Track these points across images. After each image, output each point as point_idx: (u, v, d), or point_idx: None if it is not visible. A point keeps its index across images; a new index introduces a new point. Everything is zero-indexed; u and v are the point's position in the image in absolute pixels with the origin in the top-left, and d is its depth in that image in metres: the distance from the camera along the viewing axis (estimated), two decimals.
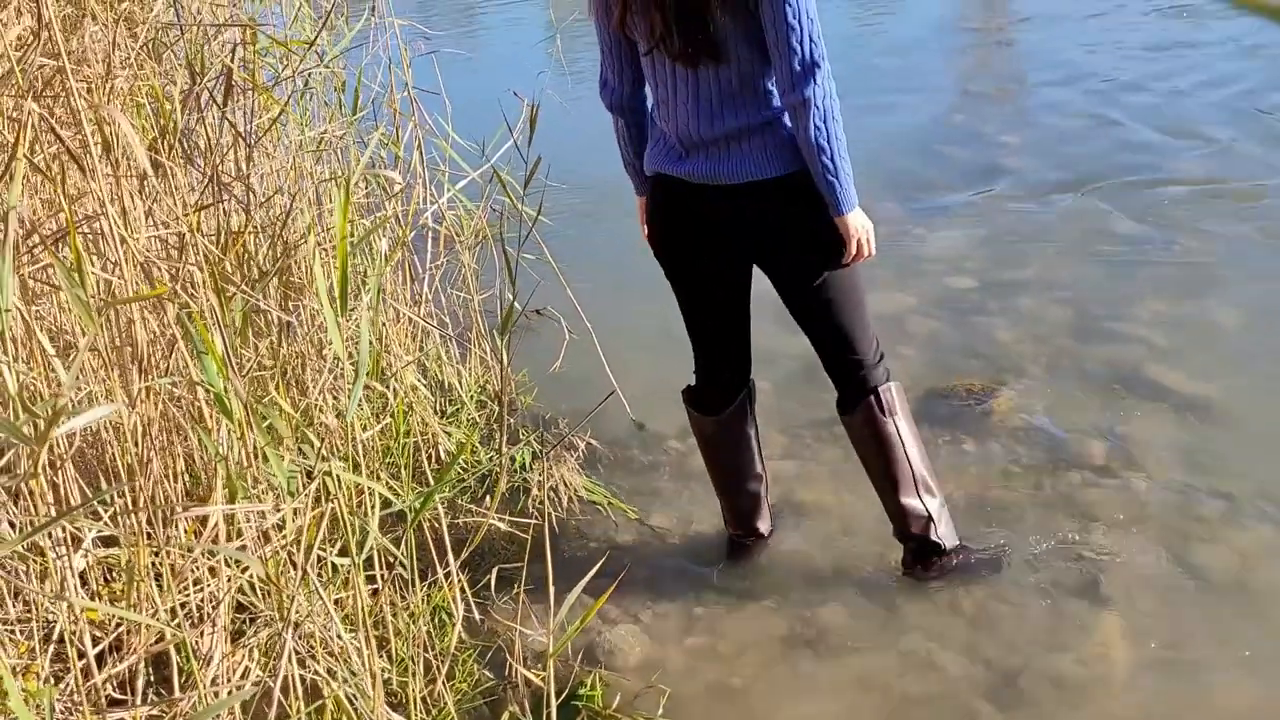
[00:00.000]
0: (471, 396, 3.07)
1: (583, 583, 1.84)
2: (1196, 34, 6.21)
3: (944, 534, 2.43)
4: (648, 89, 2.22)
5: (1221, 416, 2.93)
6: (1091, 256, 3.87)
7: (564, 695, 2.18)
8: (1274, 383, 3.05)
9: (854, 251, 2.18)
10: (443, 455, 2.77)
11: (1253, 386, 3.04)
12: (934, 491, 2.41)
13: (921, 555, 2.44)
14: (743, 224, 2.20)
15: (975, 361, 3.30)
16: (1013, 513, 2.66)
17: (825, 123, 2.05)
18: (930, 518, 2.41)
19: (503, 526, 2.08)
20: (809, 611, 2.42)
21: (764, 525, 2.61)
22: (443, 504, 2.49)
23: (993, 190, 4.50)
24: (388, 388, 2.63)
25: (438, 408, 2.97)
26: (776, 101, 2.11)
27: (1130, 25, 6.50)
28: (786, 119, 2.11)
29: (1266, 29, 6.14)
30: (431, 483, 2.42)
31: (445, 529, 2.15)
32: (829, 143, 2.06)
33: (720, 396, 2.46)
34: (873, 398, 2.32)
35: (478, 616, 2.35)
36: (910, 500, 2.39)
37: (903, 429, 2.36)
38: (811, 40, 2.00)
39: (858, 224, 2.16)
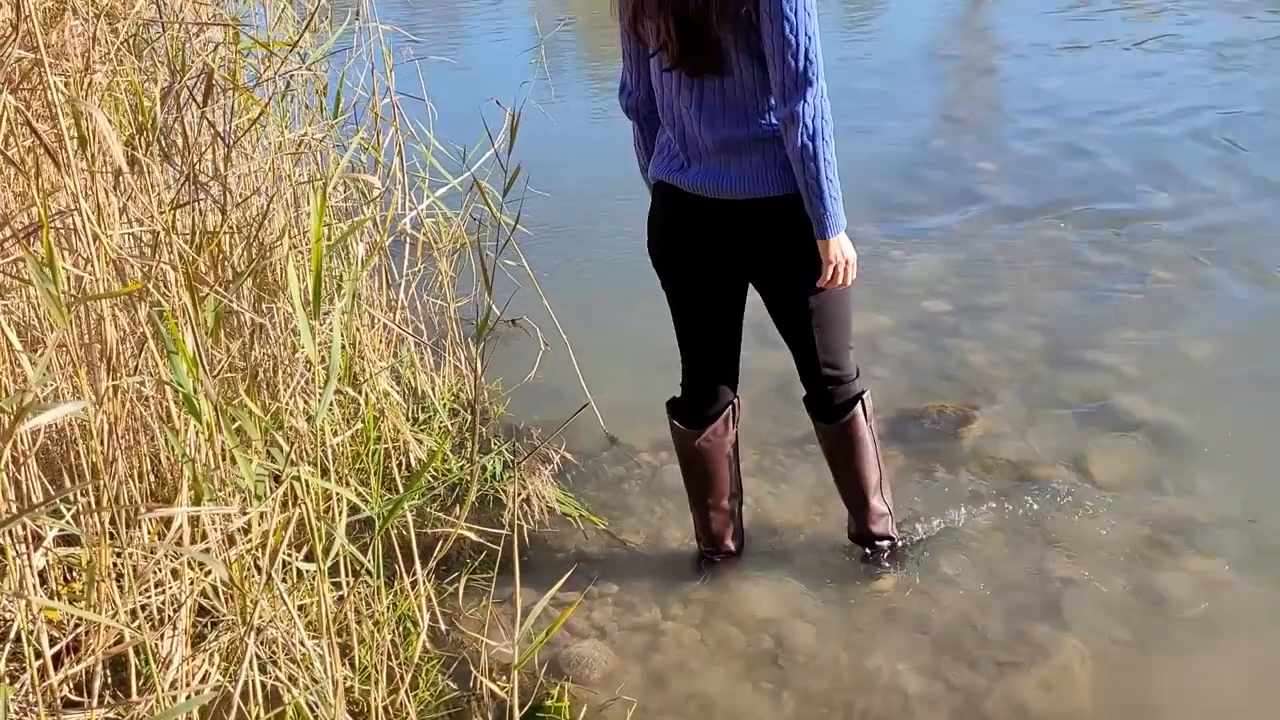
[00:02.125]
0: (444, 404, 3.06)
1: (549, 594, 1.84)
2: (1173, 67, 6.31)
3: (894, 527, 2.60)
4: (656, 96, 2.23)
5: (1187, 445, 2.96)
6: (1064, 283, 3.91)
7: (528, 707, 2.17)
8: (1240, 413, 3.09)
9: (829, 277, 2.17)
10: (413, 463, 2.75)
11: (1219, 417, 3.07)
12: (887, 485, 2.57)
13: (876, 550, 2.58)
14: (739, 237, 2.20)
15: (948, 384, 3.32)
16: (979, 535, 2.67)
17: (814, 141, 2.04)
18: (889, 513, 2.56)
19: (472, 536, 2.07)
20: (775, 629, 2.42)
21: (734, 543, 2.61)
22: (411, 512, 2.47)
23: (970, 215, 4.54)
24: (360, 393, 2.62)
25: (410, 415, 2.95)
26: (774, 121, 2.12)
27: (1109, 56, 6.59)
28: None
29: (1240, 64, 6.23)
30: (401, 490, 2.40)
31: (414, 537, 2.14)
32: (815, 162, 2.05)
33: (705, 411, 2.46)
34: (859, 406, 2.39)
35: (443, 626, 2.34)
36: (876, 500, 2.52)
37: (874, 434, 2.47)
38: (806, 57, 2.01)
39: (838, 250, 2.15)
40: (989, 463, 2.95)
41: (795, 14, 1.99)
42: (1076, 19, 7.44)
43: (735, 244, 2.22)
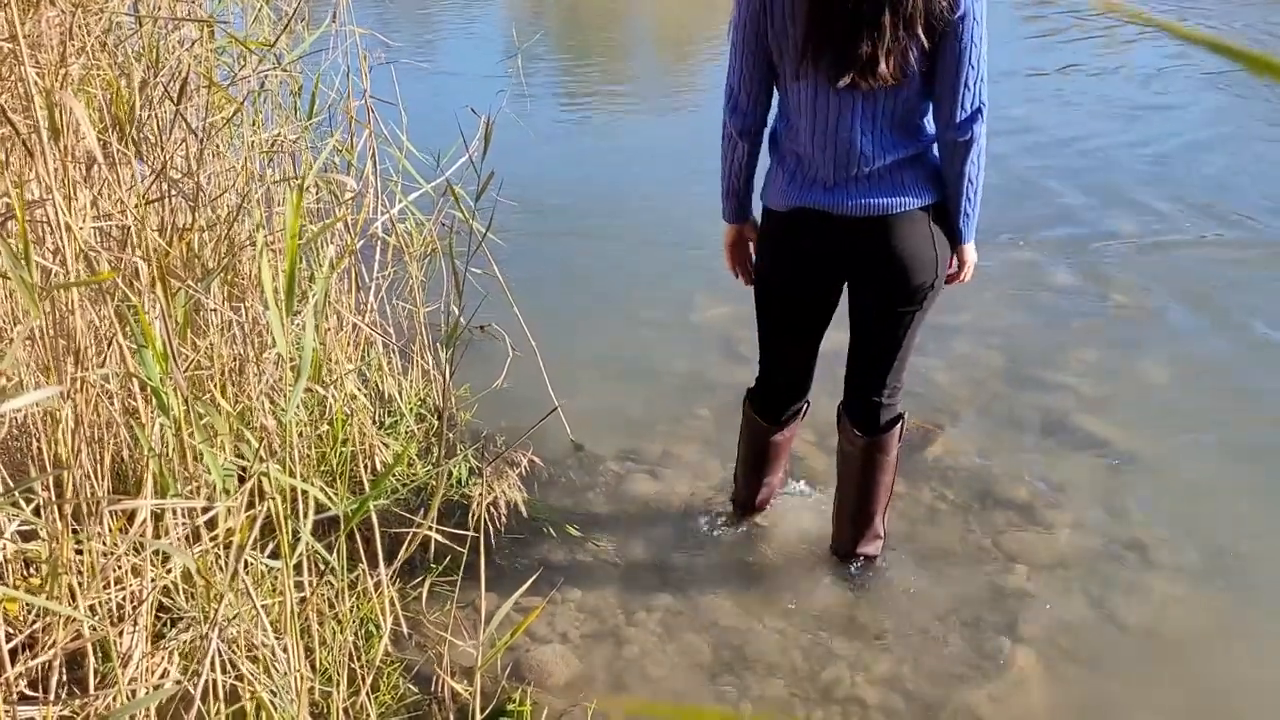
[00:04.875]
0: (411, 409, 3.05)
1: (513, 598, 1.84)
2: (1137, 96, 6.44)
3: (881, 550, 2.66)
4: (798, 118, 2.15)
5: (1144, 466, 3.02)
6: (1026, 305, 3.98)
7: (490, 711, 2.16)
8: (1195, 435, 3.16)
9: (966, 277, 2.34)
10: (379, 466, 2.75)
11: (1175, 438, 3.14)
12: (890, 509, 2.64)
13: (853, 564, 2.63)
14: (876, 251, 2.20)
15: (911, 402, 3.34)
16: (940, 551, 2.71)
17: (979, 158, 2.17)
18: (883, 536, 2.64)
19: (438, 538, 2.07)
20: (737, 639, 2.44)
21: (766, 506, 2.80)
22: (376, 514, 2.47)
23: None
24: (327, 394, 2.61)
25: (376, 418, 2.95)
26: (928, 134, 2.17)
27: (1075, 84, 6.72)
28: (934, 150, 2.18)
29: (1205, 88, 6.38)
30: (367, 493, 2.39)
31: (379, 539, 2.13)
32: (977, 177, 2.18)
33: (786, 410, 2.58)
34: (899, 426, 2.48)
35: (406, 629, 2.33)
36: (879, 521, 2.60)
37: (896, 460, 2.56)
38: (982, 81, 2.09)
39: (974, 252, 2.32)
40: (950, 479, 2.99)
41: (983, 40, 2.06)
42: (1044, 46, 7.59)
43: (873, 256, 2.21)
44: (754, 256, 2.41)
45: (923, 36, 2.01)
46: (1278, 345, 3.67)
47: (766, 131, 2.28)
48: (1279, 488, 2.94)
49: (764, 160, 2.31)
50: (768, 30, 2.09)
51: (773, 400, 2.57)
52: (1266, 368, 3.54)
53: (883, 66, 2.01)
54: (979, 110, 2.11)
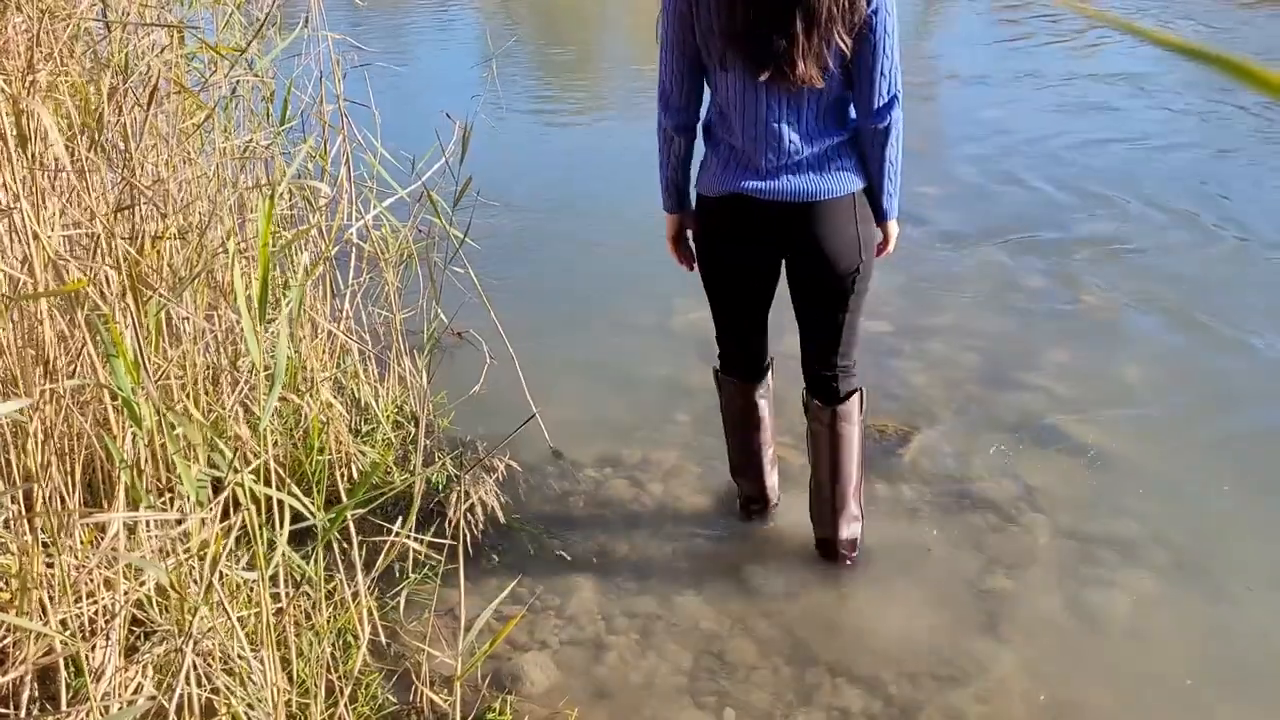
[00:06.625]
0: (388, 417, 3.03)
1: (491, 606, 1.83)
2: (1109, 100, 6.50)
3: (862, 533, 2.68)
4: (729, 109, 2.24)
5: (1119, 466, 3.04)
6: (1003, 307, 4.00)
7: None
8: (1169, 434, 3.18)
9: (890, 249, 2.46)
10: (356, 475, 2.72)
11: (1149, 438, 3.16)
12: (862, 491, 2.66)
13: (839, 559, 2.64)
14: (809, 234, 2.30)
15: (890, 403, 3.37)
16: (919, 552, 2.71)
17: (899, 141, 2.28)
18: (861, 518, 2.66)
19: (415, 547, 2.06)
20: (717, 644, 2.43)
21: (774, 495, 2.82)
22: (354, 521, 2.45)
23: (911, 238, 4.62)
24: (303, 402, 2.58)
25: (353, 426, 2.92)
26: (851, 121, 2.27)
27: (1047, 88, 6.77)
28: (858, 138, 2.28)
29: (1177, 91, 6.44)
30: (344, 502, 2.37)
31: (356, 548, 2.11)
32: (898, 159, 2.30)
33: (757, 367, 2.66)
34: (858, 395, 2.54)
35: (384, 639, 2.31)
36: (854, 503, 2.61)
37: (863, 431, 2.59)
38: (897, 69, 2.19)
39: (897, 226, 2.44)
40: (928, 480, 3.00)
41: (894, 32, 2.16)
42: (1018, 50, 7.64)
43: (803, 240, 2.31)
44: (692, 244, 2.51)
45: (840, 40, 2.11)
46: (1249, 345, 3.70)
47: (700, 124, 2.36)
48: (1253, 485, 2.96)
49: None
50: (694, 25, 2.18)
51: (740, 362, 2.64)
52: (1239, 367, 3.57)
53: (800, 69, 2.12)
54: (895, 97, 2.21)
